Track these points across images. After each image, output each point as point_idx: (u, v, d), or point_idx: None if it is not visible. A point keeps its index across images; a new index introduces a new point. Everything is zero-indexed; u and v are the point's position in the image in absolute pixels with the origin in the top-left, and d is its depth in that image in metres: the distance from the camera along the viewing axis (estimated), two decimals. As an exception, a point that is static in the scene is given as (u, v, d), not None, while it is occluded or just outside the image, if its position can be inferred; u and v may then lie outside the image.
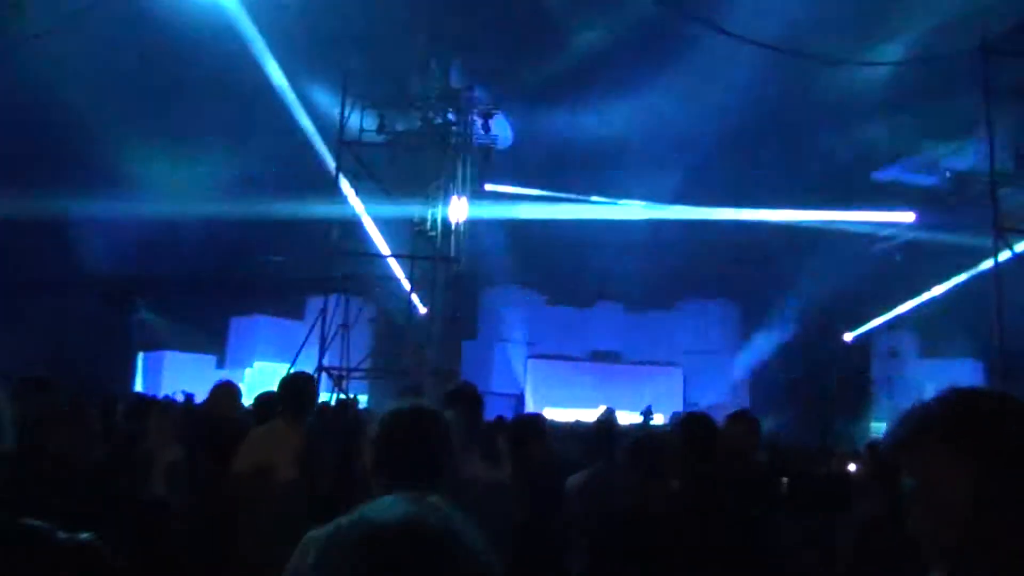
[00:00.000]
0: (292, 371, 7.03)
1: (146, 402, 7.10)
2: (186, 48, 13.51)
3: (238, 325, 19.74)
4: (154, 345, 18.81)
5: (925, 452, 1.29)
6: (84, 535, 1.48)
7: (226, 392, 5.58)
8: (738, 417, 5.13)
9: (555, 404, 19.92)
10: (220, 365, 18.97)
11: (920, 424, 1.33)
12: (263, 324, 19.47)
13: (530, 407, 21.97)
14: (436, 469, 2.13)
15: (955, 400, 1.34)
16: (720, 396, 21.56)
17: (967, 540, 1.22)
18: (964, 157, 16.06)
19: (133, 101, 14.58)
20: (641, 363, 23.03)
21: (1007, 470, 1.22)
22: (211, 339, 19.07)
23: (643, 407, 18.30)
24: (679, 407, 21.31)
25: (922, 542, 1.28)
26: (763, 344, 21.70)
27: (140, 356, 18.86)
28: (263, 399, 5.73)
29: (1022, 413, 1.29)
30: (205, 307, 17.78)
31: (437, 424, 2.21)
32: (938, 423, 1.30)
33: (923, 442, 1.30)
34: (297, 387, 4.50)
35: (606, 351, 23.30)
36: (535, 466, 4.50)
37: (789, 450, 9.53)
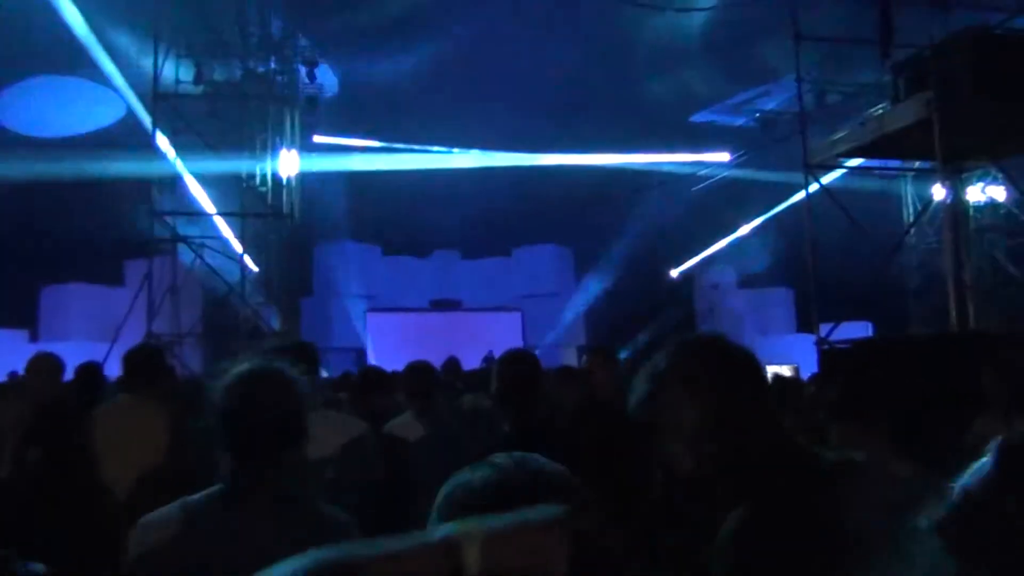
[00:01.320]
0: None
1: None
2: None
3: (50, 295, 18.23)
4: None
5: (667, 395, 1.60)
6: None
7: (48, 366, 4.83)
8: (595, 351, 5.25)
9: (397, 356, 19.81)
10: (34, 339, 17.53)
11: (663, 375, 1.62)
12: (79, 292, 18.10)
13: (372, 361, 21.82)
14: (295, 437, 1.92)
15: (679, 351, 1.65)
16: (557, 337, 22.27)
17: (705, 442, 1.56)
18: (772, 99, 17.12)
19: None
20: (480, 310, 23.31)
21: (724, 392, 1.57)
22: (21, 311, 17.52)
23: (485, 353, 18.60)
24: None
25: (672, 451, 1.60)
26: (596, 285, 22.51)
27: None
28: (86, 371, 5.23)
29: (726, 349, 1.65)
30: (11, 277, 16.28)
31: (292, 385, 1.95)
32: (675, 371, 1.61)
33: (666, 387, 1.60)
34: (147, 355, 4.16)
35: (445, 300, 23.43)
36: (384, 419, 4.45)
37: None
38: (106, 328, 16.24)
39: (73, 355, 5.55)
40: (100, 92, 15.25)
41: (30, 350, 16.23)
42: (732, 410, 1.56)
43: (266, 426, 1.86)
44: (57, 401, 4.67)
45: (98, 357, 15.11)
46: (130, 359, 4.10)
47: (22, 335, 17.49)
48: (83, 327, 17.16)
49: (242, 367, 1.93)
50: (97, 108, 15.93)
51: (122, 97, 14.54)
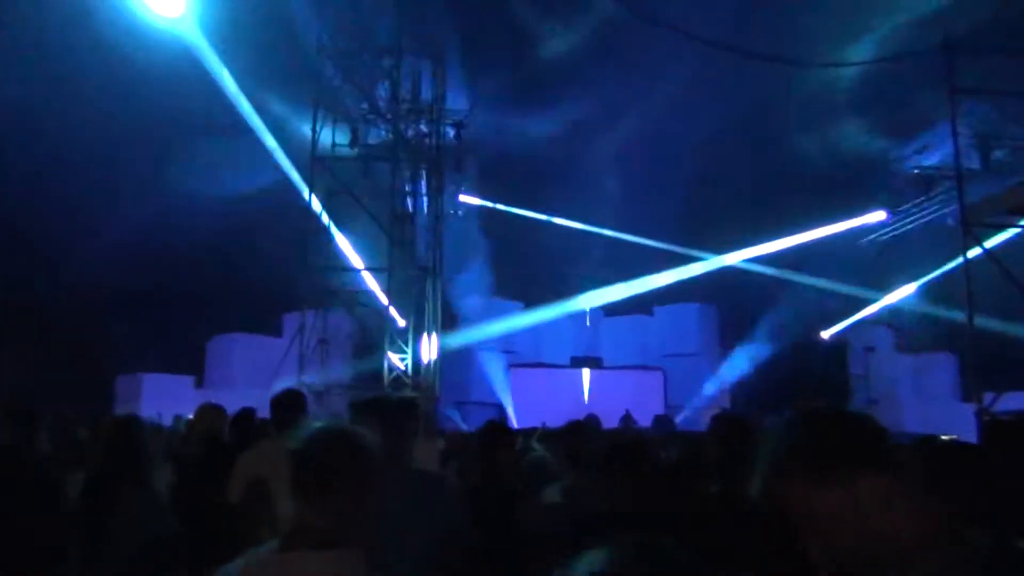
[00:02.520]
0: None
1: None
2: (149, 83, 13.55)
3: (216, 343, 19.64)
4: (130, 367, 18.67)
5: (796, 482, 1.35)
6: None
7: (214, 414, 5.52)
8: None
9: (538, 412, 20.01)
10: (199, 385, 18.86)
11: (788, 456, 1.38)
12: (241, 342, 19.40)
13: (512, 416, 22.07)
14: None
15: (797, 425, 1.42)
16: (702, 400, 21.84)
17: (860, 548, 1.31)
18: (930, 155, 16.37)
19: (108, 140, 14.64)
20: (625, 367, 23.21)
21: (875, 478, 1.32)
22: (189, 359, 18.95)
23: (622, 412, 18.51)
24: (660, 409, 21.50)
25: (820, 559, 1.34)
26: (745, 348, 21.93)
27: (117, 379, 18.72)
28: (241, 417, 5.71)
29: (857, 423, 1.40)
30: (181, 326, 17.69)
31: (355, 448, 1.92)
32: (802, 453, 1.37)
33: (794, 473, 1.36)
34: (289, 402, 4.40)
35: (585, 357, 23.45)
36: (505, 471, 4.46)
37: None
38: (265, 376, 17.34)
39: (235, 401, 6.18)
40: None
41: (196, 396, 17.58)
42: (872, 495, 1.32)
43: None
44: (213, 439, 5.24)
45: (257, 403, 16.06)
46: (276, 402, 4.42)
47: (189, 381, 18.83)
48: (244, 375, 18.36)
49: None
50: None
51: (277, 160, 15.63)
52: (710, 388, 22.24)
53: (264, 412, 7.81)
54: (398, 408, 3.60)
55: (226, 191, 16.51)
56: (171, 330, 17.63)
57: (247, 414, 5.89)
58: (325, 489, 1.85)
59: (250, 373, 18.62)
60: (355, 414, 3.06)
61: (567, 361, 23.39)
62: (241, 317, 18.83)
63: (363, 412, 3.02)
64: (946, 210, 16.72)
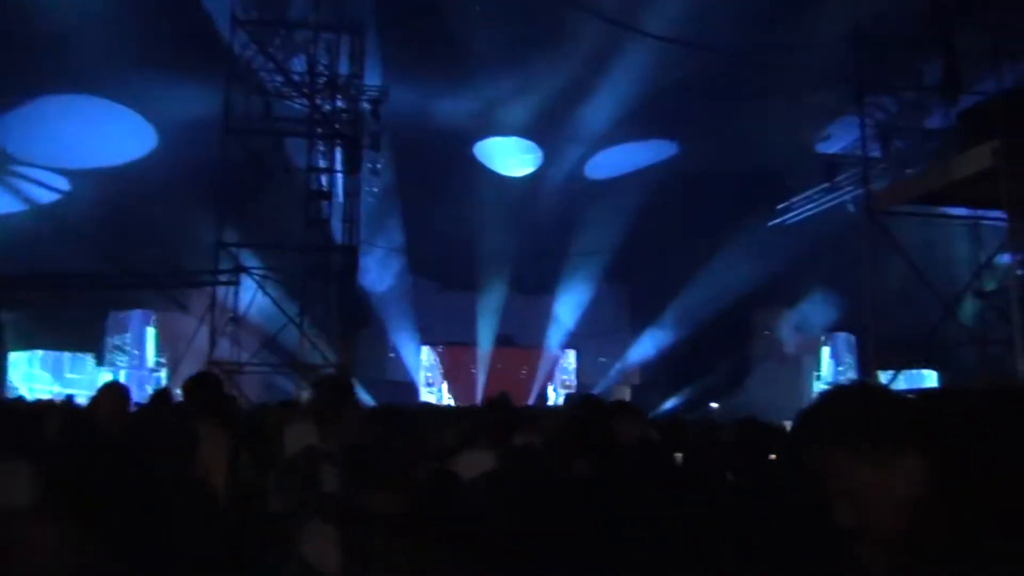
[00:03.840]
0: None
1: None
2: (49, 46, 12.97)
3: (116, 320, 18.90)
4: (23, 345, 17.84)
5: (837, 454, 1.34)
6: None
7: (116, 396, 5.20)
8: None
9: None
10: (100, 362, 18.18)
11: (831, 427, 1.39)
12: (143, 318, 18.75)
13: (422, 395, 22.11)
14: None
15: (853, 398, 1.43)
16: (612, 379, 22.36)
17: (911, 530, 1.29)
18: (834, 143, 17.04)
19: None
20: (536, 347, 23.50)
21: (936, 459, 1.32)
22: (88, 336, 18.20)
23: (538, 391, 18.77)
24: (573, 387, 21.92)
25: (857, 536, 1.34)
26: (655, 329, 22.48)
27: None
28: (158, 398, 5.55)
29: (903, 402, 1.42)
30: (80, 302, 16.96)
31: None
32: (848, 425, 1.37)
33: (836, 444, 1.35)
34: (210, 384, 4.33)
35: (497, 336, 23.63)
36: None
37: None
38: (172, 354, 16.88)
39: (137, 380, 6.00)
40: (132, 121, 15.89)
41: (97, 373, 16.90)
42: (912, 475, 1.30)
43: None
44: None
45: (160, 381, 15.63)
46: (190, 387, 4.29)
47: (88, 359, 18.13)
48: (147, 352, 17.82)
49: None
50: (128, 139, 16.58)
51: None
52: (620, 367, 22.75)
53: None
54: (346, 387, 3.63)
55: (125, 163, 16.00)
56: (69, 307, 16.91)
57: (164, 395, 5.75)
58: None
59: (154, 351, 18.15)
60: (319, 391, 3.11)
61: (480, 340, 23.51)
62: (147, 294, 18.18)
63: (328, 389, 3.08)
64: (847, 197, 17.49)
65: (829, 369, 21.03)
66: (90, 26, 13.54)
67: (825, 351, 21.20)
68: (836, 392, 1.45)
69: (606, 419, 3.70)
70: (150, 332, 18.75)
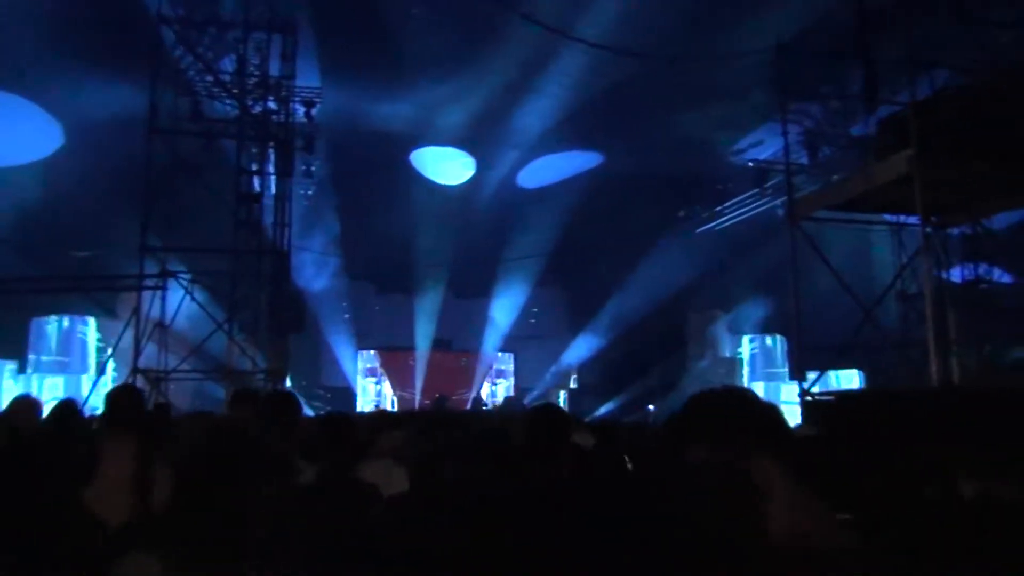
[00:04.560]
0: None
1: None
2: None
3: (39, 327, 18.37)
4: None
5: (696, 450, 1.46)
6: None
7: (27, 406, 5.22)
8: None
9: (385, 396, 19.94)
10: (22, 370, 17.62)
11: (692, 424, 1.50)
12: (67, 325, 18.26)
13: (360, 400, 21.95)
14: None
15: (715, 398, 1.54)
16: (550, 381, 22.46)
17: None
18: (763, 149, 17.42)
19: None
20: (473, 351, 23.52)
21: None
22: (10, 343, 17.62)
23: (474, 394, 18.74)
24: (511, 390, 21.96)
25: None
26: (591, 332, 22.66)
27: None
28: (64, 408, 5.43)
29: (760, 407, 1.52)
30: (2, 309, 16.39)
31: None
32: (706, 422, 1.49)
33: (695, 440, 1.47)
34: (126, 397, 4.26)
35: (435, 339, 23.60)
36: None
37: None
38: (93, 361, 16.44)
39: (59, 388, 5.87)
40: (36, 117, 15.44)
41: (18, 380, 16.36)
42: (758, 478, 1.40)
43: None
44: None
45: (84, 390, 15.19)
46: (106, 399, 4.21)
47: (9, 366, 17.58)
48: (71, 360, 17.33)
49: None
50: (33, 136, 16.10)
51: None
52: (557, 370, 22.89)
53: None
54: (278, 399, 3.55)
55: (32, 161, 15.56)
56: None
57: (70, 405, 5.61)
58: None
59: (77, 358, 17.66)
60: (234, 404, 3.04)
61: (418, 344, 23.43)
62: (69, 299, 17.69)
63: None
64: (776, 202, 17.90)
65: (760, 370, 21.44)
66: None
67: (757, 352, 21.62)
68: (704, 394, 1.56)
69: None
70: (89, 336, 18.30)
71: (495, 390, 24.21)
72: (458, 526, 2.39)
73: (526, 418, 3.38)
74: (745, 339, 21.72)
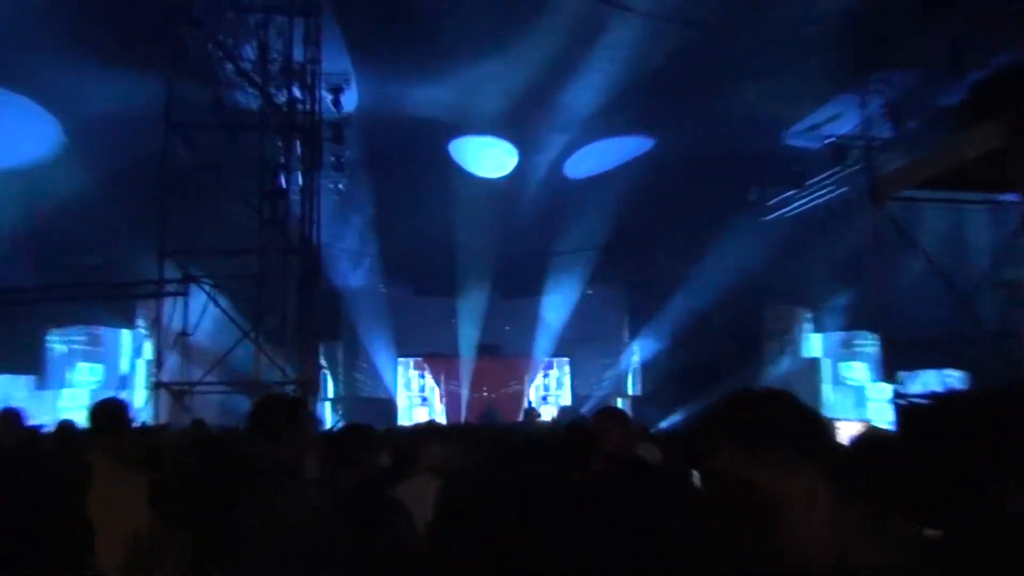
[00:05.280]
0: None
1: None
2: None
3: (56, 339, 18.95)
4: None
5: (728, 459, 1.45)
6: None
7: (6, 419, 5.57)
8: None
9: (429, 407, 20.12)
10: (40, 386, 18.19)
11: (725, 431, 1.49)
12: (85, 336, 18.83)
13: (401, 412, 22.17)
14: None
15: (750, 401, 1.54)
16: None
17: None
18: (845, 122, 17.12)
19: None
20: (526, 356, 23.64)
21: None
22: (26, 357, 18.19)
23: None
24: (567, 398, 21.97)
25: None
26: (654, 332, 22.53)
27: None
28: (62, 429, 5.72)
29: (801, 411, 1.51)
30: (16, 321, 16.92)
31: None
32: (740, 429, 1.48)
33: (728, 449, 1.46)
34: (110, 412, 4.40)
35: (482, 345, 23.70)
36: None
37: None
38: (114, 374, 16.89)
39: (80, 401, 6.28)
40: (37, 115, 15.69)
41: (38, 397, 16.87)
42: (800, 490, 1.40)
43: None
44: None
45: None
46: (95, 412, 4.39)
47: (26, 381, 18.11)
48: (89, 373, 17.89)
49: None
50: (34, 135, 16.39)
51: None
52: (615, 375, 22.84)
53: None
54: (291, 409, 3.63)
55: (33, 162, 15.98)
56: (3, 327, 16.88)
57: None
58: None
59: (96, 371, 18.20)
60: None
61: (463, 350, 23.57)
62: (85, 308, 18.19)
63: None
64: (858, 182, 17.58)
65: (848, 372, 21.13)
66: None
67: (845, 352, 21.29)
68: (738, 395, 1.56)
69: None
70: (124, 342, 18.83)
71: (550, 398, 24.25)
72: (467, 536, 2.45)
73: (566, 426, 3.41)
74: (826, 337, 21.43)
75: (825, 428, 1.52)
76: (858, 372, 20.98)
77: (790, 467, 1.40)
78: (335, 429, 6.76)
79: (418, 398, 23.65)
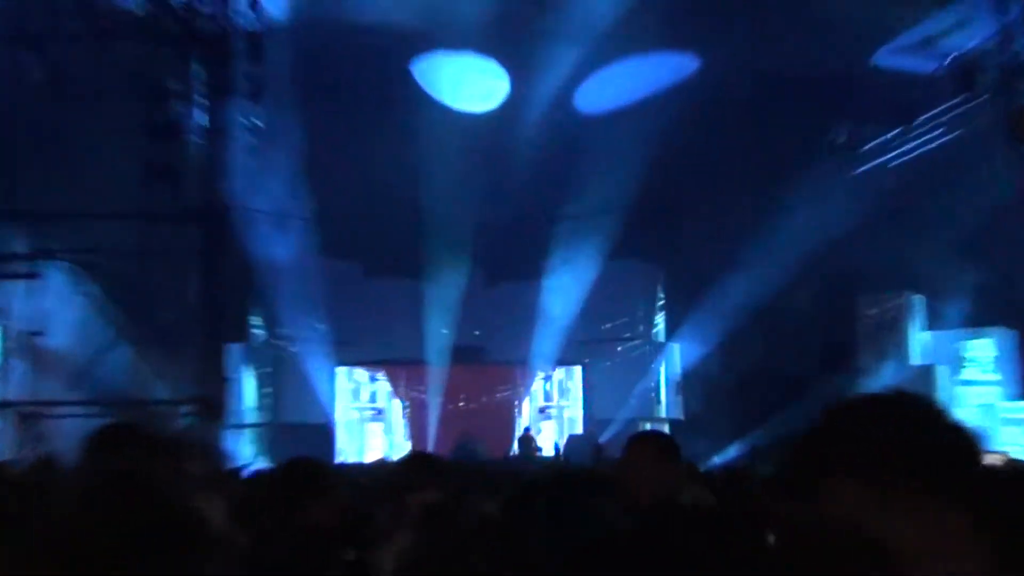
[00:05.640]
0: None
1: None
2: None
3: None
4: None
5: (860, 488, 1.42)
6: None
7: None
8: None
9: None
10: None
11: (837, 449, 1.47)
12: None
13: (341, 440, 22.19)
14: None
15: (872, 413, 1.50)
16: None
17: None
18: (967, 35, 17.09)
19: None
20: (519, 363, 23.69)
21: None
22: None
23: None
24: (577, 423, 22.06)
25: None
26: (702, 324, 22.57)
27: None
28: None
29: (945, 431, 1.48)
30: None
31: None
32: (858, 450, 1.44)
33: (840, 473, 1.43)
34: None
35: (457, 348, 23.73)
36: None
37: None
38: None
39: None
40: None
41: None
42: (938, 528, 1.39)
43: None
44: None
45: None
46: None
47: None
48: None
49: None
50: None
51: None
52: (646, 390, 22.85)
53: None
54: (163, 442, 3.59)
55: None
56: None
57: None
58: None
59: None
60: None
61: (430, 355, 23.50)
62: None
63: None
64: (992, 118, 17.57)
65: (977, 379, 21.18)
66: None
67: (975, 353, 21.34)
68: (852, 404, 1.53)
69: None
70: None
71: (551, 410, 24.19)
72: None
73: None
74: (943, 336, 21.50)
75: (974, 445, 1.48)
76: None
77: (939, 512, 1.38)
78: (261, 469, 6.76)
79: (369, 411, 23.58)
